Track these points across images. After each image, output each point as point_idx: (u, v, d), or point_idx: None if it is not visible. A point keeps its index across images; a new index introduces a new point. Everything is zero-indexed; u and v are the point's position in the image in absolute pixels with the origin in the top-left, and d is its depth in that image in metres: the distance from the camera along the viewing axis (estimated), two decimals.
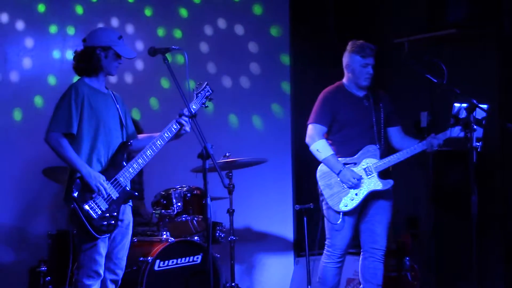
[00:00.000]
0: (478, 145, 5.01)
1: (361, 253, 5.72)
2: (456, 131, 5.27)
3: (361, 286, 5.72)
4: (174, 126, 4.86)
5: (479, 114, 5.04)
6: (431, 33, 6.67)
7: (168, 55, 4.71)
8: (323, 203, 5.63)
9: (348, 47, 5.68)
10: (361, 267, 5.71)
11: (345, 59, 5.69)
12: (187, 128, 4.86)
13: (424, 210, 6.92)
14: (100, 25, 6.65)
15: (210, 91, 5.04)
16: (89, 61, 4.78)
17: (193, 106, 4.91)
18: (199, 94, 5.00)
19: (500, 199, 6.47)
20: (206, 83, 5.05)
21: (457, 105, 5.18)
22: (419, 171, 6.74)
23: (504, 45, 6.51)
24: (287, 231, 7.46)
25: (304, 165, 7.42)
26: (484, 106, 5.11)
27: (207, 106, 5.07)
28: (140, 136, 5.07)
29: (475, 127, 4.96)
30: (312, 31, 7.50)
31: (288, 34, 7.53)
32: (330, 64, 7.34)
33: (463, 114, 5.08)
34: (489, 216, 6.05)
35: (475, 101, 5.01)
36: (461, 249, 6.34)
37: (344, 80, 5.72)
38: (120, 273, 4.90)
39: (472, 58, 6.61)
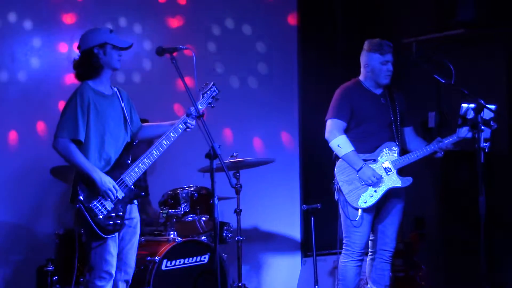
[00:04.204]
0: (486, 145, 5.00)
1: (369, 253, 5.68)
2: (464, 132, 5.27)
3: (368, 286, 5.71)
4: (180, 126, 4.87)
5: (486, 114, 5.03)
6: (439, 33, 6.66)
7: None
8: (341, 199, 5.54)
9: (366, 46, 5.60)
10: (368, 268, 5.68)
11: (363, 58, 5.61)
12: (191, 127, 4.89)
13: (432, 210, 6.91)
14: (108, 24, 6.65)
15: (217, 91, 5.03)
16: (89, 63, 4.78)
17: (199, 106, 4.89)
18: (205, 94, 4.99)
19: (508, 199, 6.45)
20: (212, 83, 5.04)
21: (464, 105, 5.17)
22: (427, 171, 6.72)
23: None
24: (295, 231, 7.45)
25: (312, 165, 7.43)
26: (492, 107, 5.10)
27: (214, 106, 5.04)
28: (146, 124, 5.10)
29: (482, 127, 4.96)
30: (320, 31, 7.48)
31: (296, 34, 7.51)
32: (338, 64, 7.36)
33: (470, 115, 5.08)
34: (497, 216, 6.03)
35: (482, 102, 5.00)
36: (469, 250, 6.33)
37: (361, 77, 5.65)
38: (131, 272, 4.92)
39: (480, 59, 6.60)
